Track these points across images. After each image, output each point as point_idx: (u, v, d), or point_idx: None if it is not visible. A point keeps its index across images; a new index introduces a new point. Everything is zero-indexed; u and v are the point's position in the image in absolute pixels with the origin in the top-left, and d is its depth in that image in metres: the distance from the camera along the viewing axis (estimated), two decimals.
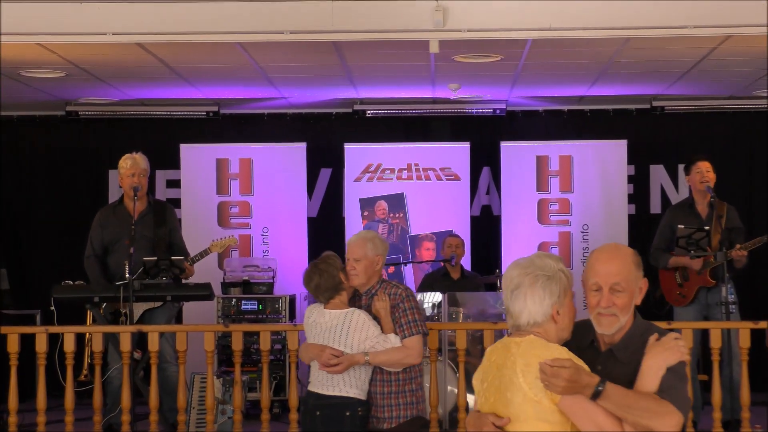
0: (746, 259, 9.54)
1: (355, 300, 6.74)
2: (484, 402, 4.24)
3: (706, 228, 9.49)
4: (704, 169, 9.77)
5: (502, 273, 10.96)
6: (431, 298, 10.70)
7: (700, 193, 9.79)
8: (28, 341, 8.28)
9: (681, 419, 4.09)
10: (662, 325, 7.83)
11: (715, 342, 8.10)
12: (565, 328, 4.26)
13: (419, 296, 10.96)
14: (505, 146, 12.36)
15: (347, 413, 6.45)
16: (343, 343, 6.48)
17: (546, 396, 4.01)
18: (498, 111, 12.56)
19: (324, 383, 6.51)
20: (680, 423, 4.09)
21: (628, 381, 4.14)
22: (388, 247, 6.96)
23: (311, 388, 6.62)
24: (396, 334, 6.55)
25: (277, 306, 11.16)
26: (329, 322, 6.56)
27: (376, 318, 6.59)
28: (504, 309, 10.42)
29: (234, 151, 12.37)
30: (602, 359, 4.26)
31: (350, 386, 6.49)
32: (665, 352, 4.17)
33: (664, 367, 4.14)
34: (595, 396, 4.01)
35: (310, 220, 12.48)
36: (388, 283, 6.75)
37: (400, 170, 12.39)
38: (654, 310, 10.02)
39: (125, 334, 8.25)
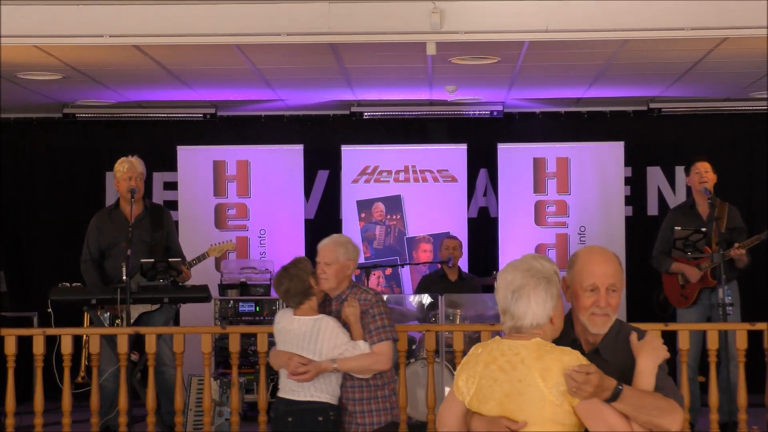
0: (747, 258, 9.54)
1: (326, 305, 6.69)
2: (481, 404, 4.22)
3: (703, 229, 9.49)
4: (703, 170, 9.76)
5: None
6: (427, 300, 10.69)
7: (701, 194, 9.78)
8: (25, 343, 8.27)
9: (683, 414, 4.16)
10: (659, 326, 7.92)
11: (712, 343, 8.10)
12: (558, 329, 4.34)
13: (415, 298, 10.97)
14: (502, 148, 12.36)
15: (320, 418, 6.43)
16: (312, 351, 6.45)
17: (566, 399, 4.06)
18: (495, 113, 12.57)
19: (294, 389, 6.48)
20: (683, 418, 4.15)
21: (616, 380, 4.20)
22: (360, 251, 6.94)
23: (281, 394, 6.58)
24: (365, 340, 6.52)
25: (274, 308, 11.15)
26: (298, 329, 6.52)
27: (346, 324, 6.55)
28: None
29: (231, 153, 12.37)
30: (588, 359, 4.28)
31: (321, 391, 6.46)
32: (655, 351, 4.25)
33: (657, 365, 4.19)
34: (614, 398, 4.08)
35: (308, 222, 12.48)
36: (359, 288, 6.70)
37: (398, 172, 12.39)
38: (657, 312, 10.03)
39: (122, 336, 8.25)
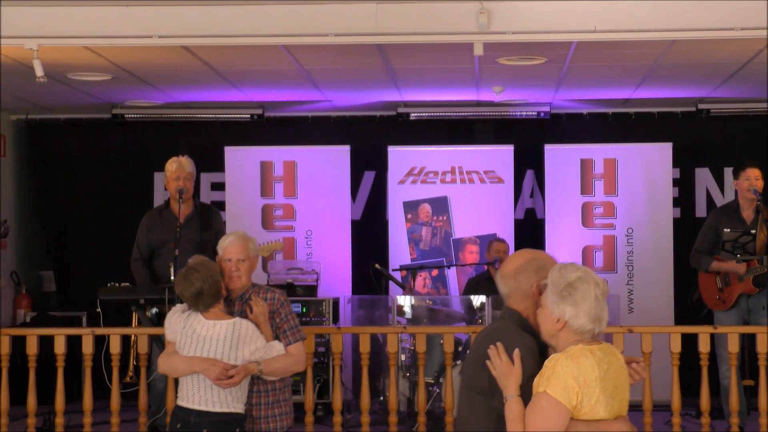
0: None
1: (227, 306, 6.46)
2: (598, 410, 4.30)
3: (753, 231, 9.43)
4: (753, 177, 9.70)
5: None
6: (476, 301, 10.65)
7: (747, 199, 9.72)
8: (74, 343, 8.34)
9: None
10: (708, 329, 7.91)
11: (762, 347, 8.05)
12: None
13: (463, 299, 10.94)
14: (549, 149, 12.32)
15: (237, 430, 6.28)
16: (233, 357, 6.25)
17: None
18: (542, 114, 12.53)
19: (208, 399, 6.26)
20: None
21: None
22: None
23: (184, 403, 6.32)
24: (279, 340, 6.39)
25: (320, 308, 11.17)
26: (216, 334, 6.26)
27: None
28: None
29: (278, 154, 12.40)
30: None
31: (237, 401, 6.29)
32: None
33: None
34: None
35: (354, 223, 12.50)
36: (260, 287, 6.54)
37: (444, 173, 12.38)
38: (692, 311, 9.97)
39: None
